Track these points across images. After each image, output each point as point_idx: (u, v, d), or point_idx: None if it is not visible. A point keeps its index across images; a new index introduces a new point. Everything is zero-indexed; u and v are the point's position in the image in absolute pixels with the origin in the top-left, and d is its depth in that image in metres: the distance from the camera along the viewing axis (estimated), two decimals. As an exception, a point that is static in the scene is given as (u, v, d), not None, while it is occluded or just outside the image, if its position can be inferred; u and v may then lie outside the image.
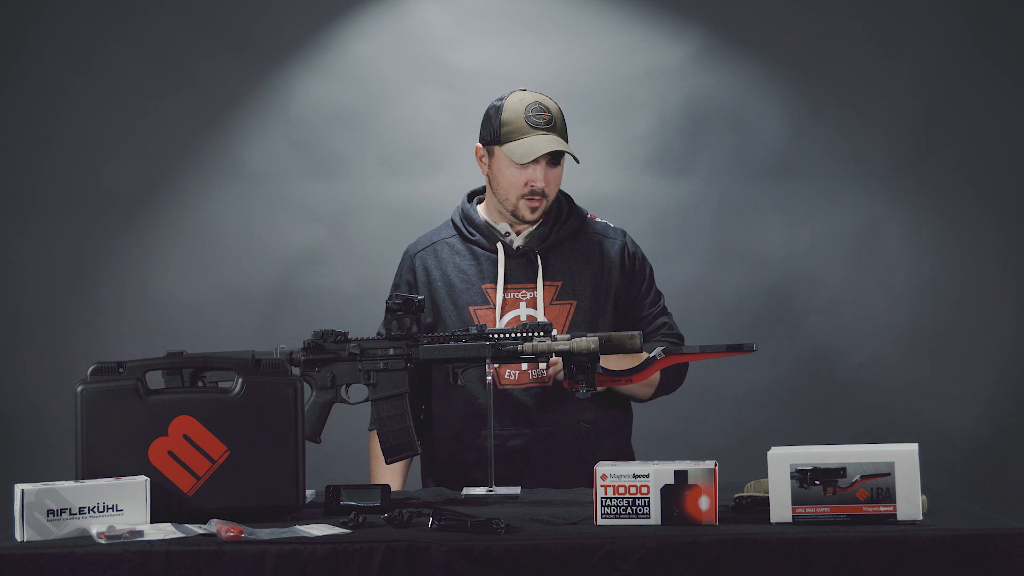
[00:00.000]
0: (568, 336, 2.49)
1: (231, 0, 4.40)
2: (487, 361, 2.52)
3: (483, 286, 2.93)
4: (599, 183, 4.39)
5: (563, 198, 3.04)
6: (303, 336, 2.61)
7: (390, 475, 2.90)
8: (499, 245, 2.95)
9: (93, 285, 4.38)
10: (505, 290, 2.92)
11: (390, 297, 2.59)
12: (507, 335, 2.51)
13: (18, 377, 4.35)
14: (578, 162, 2.97)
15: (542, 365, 2.88)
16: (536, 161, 2.88)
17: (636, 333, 2.48)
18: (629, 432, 3.07)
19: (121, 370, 2.30)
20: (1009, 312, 4.36)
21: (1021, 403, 4.36)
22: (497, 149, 2.92)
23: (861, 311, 4.37)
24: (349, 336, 2.58)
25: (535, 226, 2.97)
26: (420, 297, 2.57)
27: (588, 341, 2.46)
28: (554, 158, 2.91)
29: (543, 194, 2.91)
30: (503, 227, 2.98)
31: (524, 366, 2.87)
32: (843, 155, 4.39)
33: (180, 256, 4.39)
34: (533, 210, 2.92)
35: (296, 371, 2.52)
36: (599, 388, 2.52)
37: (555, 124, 2.91)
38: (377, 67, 4.41)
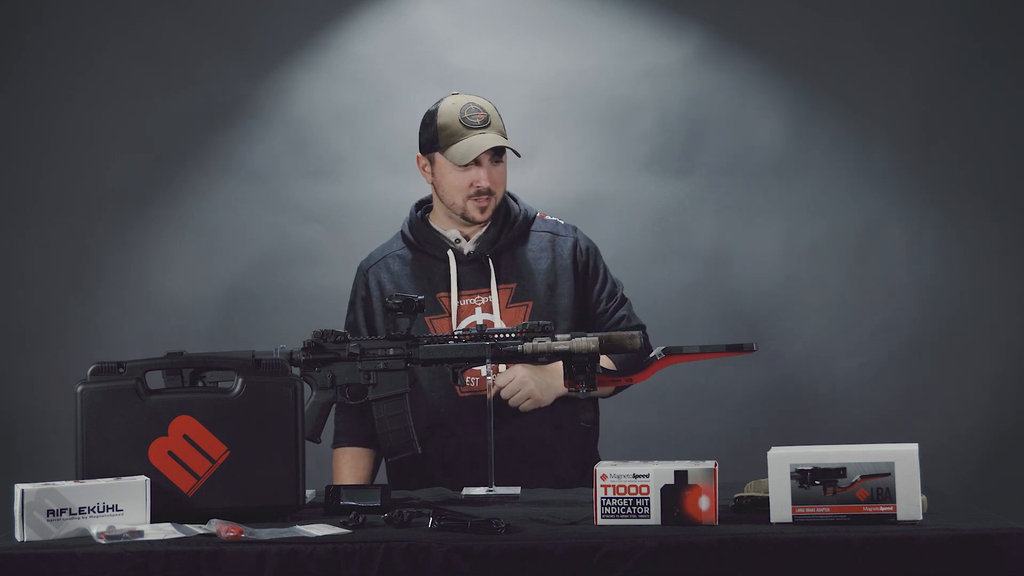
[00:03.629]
0: (568, 336, 2.48)
1: (231, 0, 4.40)
2: (487, 361, 2.52)
3: (437, 295, 2.93)
4: (599, 183, 4.39)
5: (510, 197, 3.03)
6: (303, 336, 2.61)
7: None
8: (450, 253, 2.95)
9: (93, 285, 4.37)
10: (460, 296, 2.92)
11: (390, 296, 2.58)
12: (507, 335, 2.51)
13: (18, 377, 4.35)
14: (519, 156, 2.94)
15: (503, 369, 2.86)
16: (478, 162, 2.89)
17: (636, 333, 2.48)
18: (596, 436, 3.05)
19: (121, 370, 2.30)
20: (1009, 312, 4.36)
21: (1021, 403, 4.35)
22: (438, 155, 2.93)
23: (861, 311, 4.37)
24: (349, 336, 2.58)
25: (484, 230, 2.96)
26: (420, 297, 2.56)
27: (588, 341, 2.46)
28: (496, 155, 2.91)
29: (490, 192, 2.91)
30: (452, 234, 2.97)
31: (485, 372, 2.83)
32: (843, 155, 4.39)
33: (180, 256, 4.39)
34: (482, 210, 2.92)
35: (296, 371, 2.52)
36: (607, 391, 2.51)
37: (491, 122, 2.91)
38: (377, 67, 4.40)
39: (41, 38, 4.36)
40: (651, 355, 2.55)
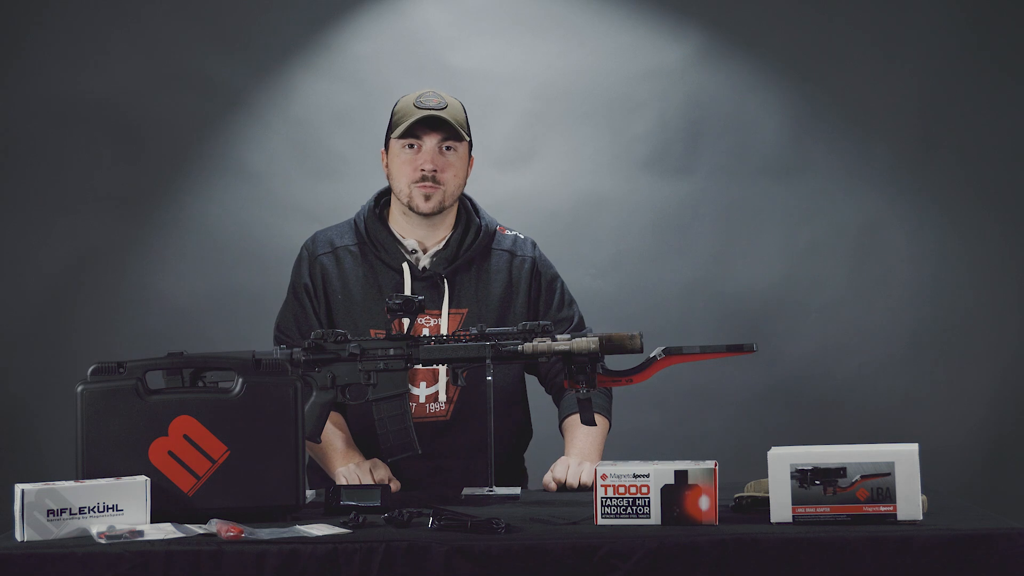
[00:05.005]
0: (568, 336, 2.48)
1: (231, 0, 4.40)
2: (487, 361, 2.51)
3: (385, 308, 2.73)
4: (599, 183, 4.39)
5: (470, 206, 2.94)
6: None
7: (342, 453, 2.82)
8: (405, 266, 2.86)
9: (93, 285, 4.37)
10: None
11: (390, 297, 2.57)
12: (508, 335, 2.51)
13: (18, 377, 4.35)
14: (468, 138, 2.85)
15: (442, 397, 2.81)
16: (419, 139, 2.81)
17: (636, 333, 2.47)
18: (523, 449, 3.02)
19: (121, 370, 2.30)
20: (1009, 312, 4.36)
21: (1022, 403, 4.36)
22: (391, 142, 2.88)
23: (861, 311, 4.38)
24: (349, 336, 2.58)
25: (443, 244, 2.87)
26: (420, 297, 2.56)
27: (588, 341, 2.46)
28: (447, 144, 2.83)
29: (435, 179, 2.82)
30: (410, 243, 2.88)
31: (422, 399, 2.81)
32: (843, 155, 4.39)
33: (180, 256, 4.39)
34: (427, 197, 2.82)
35: (296, 371, 2.52)
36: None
37: (447, 108, 2.83)
38: (377, 67, 4.40)
39: (41, 38, 4.36)
40: (651, 355, 2.55)
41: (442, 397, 2.82)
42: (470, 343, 2.52)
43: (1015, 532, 2.07)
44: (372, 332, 2.81)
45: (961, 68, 4.36)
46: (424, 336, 2.56)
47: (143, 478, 2.22)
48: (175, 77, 4.37)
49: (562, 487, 2.69)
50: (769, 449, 2.21)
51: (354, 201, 4.45)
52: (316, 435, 2.58)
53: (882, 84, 4.37)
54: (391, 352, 2.56)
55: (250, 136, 4.40)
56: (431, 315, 2.84)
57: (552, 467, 2.74)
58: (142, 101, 4.37)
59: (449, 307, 2.85)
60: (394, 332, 2.62)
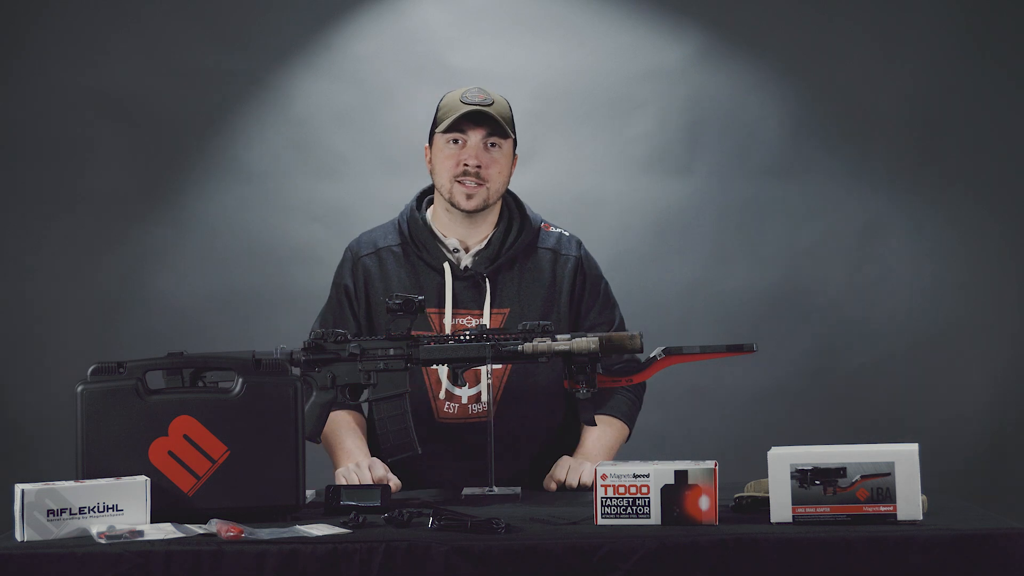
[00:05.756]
0: (568, 336, 2.48)
1: (231, 0, 4.40)
2: (487, 361, 2.51)
3: (427, 309, 2.75)
4: (599, 183, 4.39)
5: (515, 205, 2.92)
6: (303, 336, 2.61)
7: (347, 452, 2.80)
8: (446, 266, 2.84)
9: (93, 285, 4.38)
10: (451, 316, 2.81)
11: (390, 297, 2.57)
12: (508, 335, 2.51)
13: (18, 377, 4.35)
14: (512, 136, 2.83)
15: (484, 398, 2.79)
16: (464, 134, 2.77)
17: (636, 333, 2.48)
18: (566, 449, 2.96)
19: (121, 370, 2.30)
20: (1009, 312, 4.37)
21: (1021, 403, 4.36)
22: (435, 137, 2.84)
23: (861, 311, 4.38)
24: (349, 336, 2.58)
25: (485, 243, 2.85)
26: (420, 297, 2.56)
27: (588, 341, 2.46)
28: (492, 140, 2.80)
29: (478, 176, 2.79)
30: (452, 242, 2.87)
31: (464, 399, 2.81)
32: (843, 155, 4.39)
33: (180, 256, 4.39)
34: (468, 196, 2.79)
35: (296, 371, 2.52)
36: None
37: (493, 105, 2.80)
38: (377, 67, 4.41)
39: (41, 38, 4.36)
40: (651, 355, 2.55)
41: (484, 398, 2.80)
42: (470, 343, 2.52)
43: (1015, 532, 2.07)
44: (413, 333, 2.78)
45: (961, 68, 4.36)
46: (424, 336, 2.56)
47: (143, 478, 2.22)
48: (175, 77, 4.38)
49: (562, 487, 2.69)
50: (769, 449, 2.21)
51: (354, 201, 4.49)
52: (316, 435, 2.58)
53: (882, 84, 4.37)
54: (391, 352, 2.56)
55: (250, 136, 4.40)
56: (472, 315, 2.82)
57: (554, 467, 2.74)
58: (142, 101, 4.37)
59: (491, 307, 2.83)
60: (433, 333, 2.65)
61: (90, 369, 2.30)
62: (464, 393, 2.82)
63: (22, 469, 3.56)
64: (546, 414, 2.89)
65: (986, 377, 4.35)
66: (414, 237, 2.88)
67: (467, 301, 2.83)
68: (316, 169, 4.41)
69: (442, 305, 2.83)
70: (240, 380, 2.32)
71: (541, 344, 2.48)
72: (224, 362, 2.37)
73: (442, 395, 2.82)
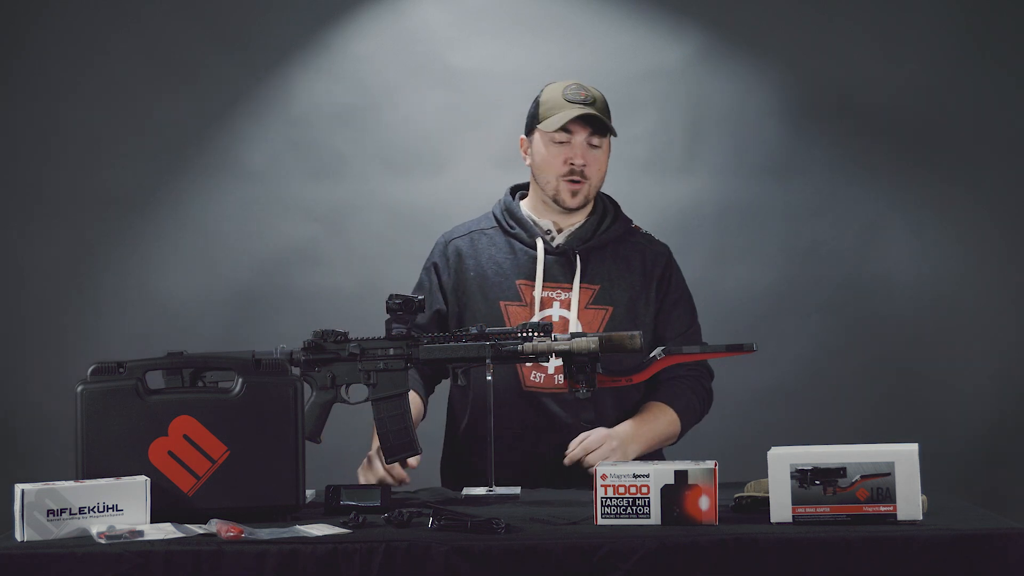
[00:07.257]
0: (568, 336, 2.48)
1: (231, 0, 4.40)
2: (487, 361, 2.51)
3: (517, 281, 2.88)
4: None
5: (609, 203, 3.00)
6: (303, 336, 2.60)
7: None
8: (539, 241, 2.90)
9: (93, 285, 4.38)
10: (541, 288, 2.87)
11: (390, 297, 2.57)
12: (507, 335, 2.51)
13: (18, 377, 4.35)
14: (615, 135, 2.91)
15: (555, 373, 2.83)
16: (570, 133, 2.85)
17: (636, 333, 2.47)
18: None
19: (121, 370, 2.30)
20: (1009, 312, 4.36)
21: (1021, 403, 4.35)
22: (536, 131, 2.90)
23: (861, 311, 4.37)
24: (349, 336, 2.58)
25: (578, 225, 2.93)
26: (420, 297, 2.56)
27: (588, 341, 2.46)
28: (595, 138, 2.87)
29: (583, 174, 2.86)
30: (546, 224, 2.93)
31: (551, 369, 2.84)
32: (843, 155, 4.39)
33: (180, 256, 4.39)
34: (574, 194, 2.87)
35: (296, 371, 2.52)
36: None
37: (594, 102, 2.88)
38: (377, 67, 4.40)
39: (41, 38, 4.36)
40: (651, 355, 2.55)
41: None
42: (470, 343, 2.52)
43: (1015, 532, 2.07)
44: (502, 304, 2.86)
45: (961, 68, 4.36)
46: (424, 336, 2.56)
47: (143, 478, 2.22)
48: (175, 77, 4.37)
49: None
50: (769, 449, 2.21)
51: (354, 201, 4.49)
52: (316, 435, 2.58)
53: (882, 84, 4.36)
54: (391, 352, 2.56)
55: (250, 136, 4.40)
56: (562, 288, 2.87)
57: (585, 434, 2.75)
58: (142, 101, 4.37)
59: (581, 281, 2.88)
60: (526, 302, 2.78)
61: (90, 369, 2.30)
62: (551, 364, 2.83)
63: (22, 469, 3.57)
64: (625, 397, 2.88)
65: (986, 377, 4.35)
66: (509, 219, 2.95)
67: (558, 275, 2.88)
68: (316, 169, 4.41)
69: (532, 278, 2.88)
70: (240, 380, 2.32)
71: (541, 344, 2.48)
72: (224, 362, 2.37)
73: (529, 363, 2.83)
